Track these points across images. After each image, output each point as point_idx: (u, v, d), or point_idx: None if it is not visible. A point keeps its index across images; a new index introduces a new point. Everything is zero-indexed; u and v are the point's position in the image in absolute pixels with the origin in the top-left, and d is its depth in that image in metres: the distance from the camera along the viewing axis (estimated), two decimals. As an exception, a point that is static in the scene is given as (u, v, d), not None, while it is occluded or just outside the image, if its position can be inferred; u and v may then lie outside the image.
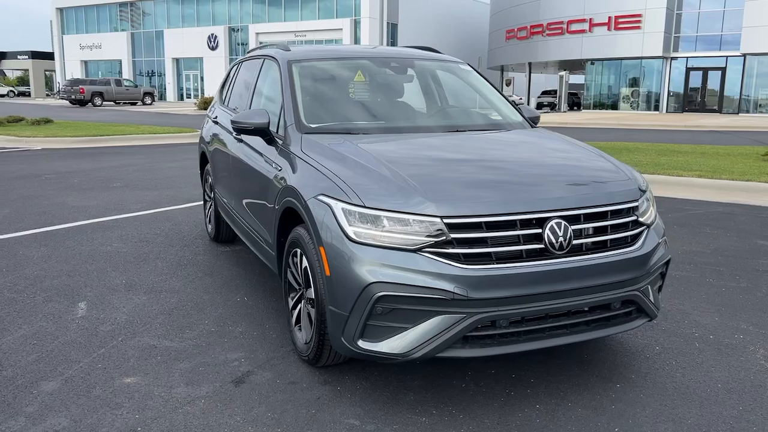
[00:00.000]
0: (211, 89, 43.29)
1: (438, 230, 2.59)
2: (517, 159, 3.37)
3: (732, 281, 4.60)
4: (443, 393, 2.93)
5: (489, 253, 2.61)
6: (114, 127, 17.91)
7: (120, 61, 54.09)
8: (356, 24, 42.56)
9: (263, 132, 3.61)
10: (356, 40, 42.28)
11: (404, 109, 4.16)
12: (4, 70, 75.82)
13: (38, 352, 3.30)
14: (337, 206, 2.73)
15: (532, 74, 45.11)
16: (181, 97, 50.88)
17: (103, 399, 2.81)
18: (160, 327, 3.65)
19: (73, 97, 38.01)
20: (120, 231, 5.97)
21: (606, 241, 2.81)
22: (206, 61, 49.24)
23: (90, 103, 37.96)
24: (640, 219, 2.94)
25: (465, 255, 2.58)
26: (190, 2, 49.90)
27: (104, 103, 38.82)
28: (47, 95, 63.73)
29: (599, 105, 39.45)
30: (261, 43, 46.64)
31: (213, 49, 48.55)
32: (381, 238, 2.61)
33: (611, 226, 2.84)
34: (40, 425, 2.59)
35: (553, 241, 2.66)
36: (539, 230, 2.67)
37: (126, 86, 41.24)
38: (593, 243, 2.79)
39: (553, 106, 39.23)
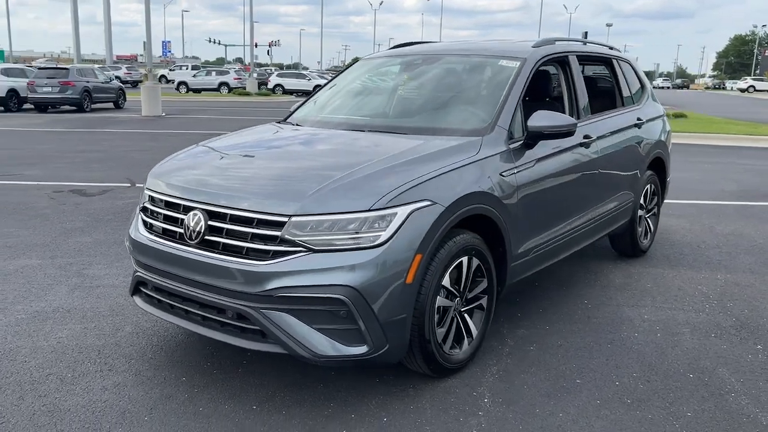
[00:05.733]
0: None
1: (145, 198, 3.33)
2: (280, 160, 3.47)
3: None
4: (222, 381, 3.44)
5: (153, 225, 3.17)
6: (753, 127, 17.55)
7: None
8: None
9: None
10: None
11: (371, 106, 4.37)
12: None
13: (92, 253, 5.29)
14: None
15: None
16: None
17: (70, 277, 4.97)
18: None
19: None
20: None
21: (241, 247, 2.80)
22: None
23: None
24: (291, 237, 2.71)
25: (146, 223, 3.23)
26: None
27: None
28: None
29: None
30: None
31: None
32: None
33: (253, 234, 2.79)
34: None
35: (184, 229, 2.95)
36: (184, 216, 2.98)
37: None
38: (233, 245, 2.83)
39: None
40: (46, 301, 4.19)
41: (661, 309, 4.21)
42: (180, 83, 39.94)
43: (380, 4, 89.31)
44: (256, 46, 77.46)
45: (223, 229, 2.89)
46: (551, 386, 3.15)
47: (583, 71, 4.60)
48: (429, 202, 2.91)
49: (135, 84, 43.93)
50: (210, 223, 2.91)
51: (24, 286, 4.47)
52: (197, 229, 2.93)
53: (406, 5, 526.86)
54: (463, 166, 3.20)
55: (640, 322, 3.97)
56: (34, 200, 7.33)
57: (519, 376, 3.25)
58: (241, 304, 2.78)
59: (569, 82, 4.30)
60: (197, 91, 39.02)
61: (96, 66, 31.63)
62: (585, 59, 4.79)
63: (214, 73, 40.99)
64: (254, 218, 2.80)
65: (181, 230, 3.00)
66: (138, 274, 3.29)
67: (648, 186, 5.27)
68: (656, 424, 2.82)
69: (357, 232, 2.74)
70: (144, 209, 3.35)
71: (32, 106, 22.21)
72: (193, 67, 45.32)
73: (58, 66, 24.78)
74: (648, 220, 5.43)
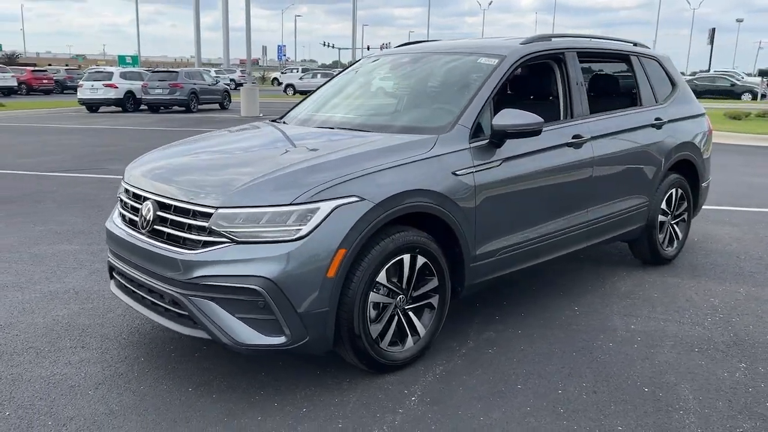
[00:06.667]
0: None
1: (120, 189, 3.62)
2: (244, 153, 3.69)
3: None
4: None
5: (124, 214, 3.42)
6: None
7: None
8: None
9: None
10: None
11: (351, 105, 4.41)
12: None
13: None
14: None
15: None
16: None
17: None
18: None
19: None
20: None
21: (180, 237, 2.97)
22: None
23: None
24: (217, 228, 2.85)
25: (120, 212, 3.50)
26: None
27: None
28: None
29: None
30: None
31: None
32: None
33: (189, 224, 2.96)
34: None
35: (139, 217, 3.21)
36: (141, 205, 3.23)
37: None
38: (174, 234, 3.01)
39: None
40: (63, 283, 4.58)
41: (654, 320, 3.96)
42: (287, 85, 41.69)
43: (489, 4, 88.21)
44: (368, 48, 79.46)
45: (167, 219, 3.08)
46: (488, 390, 3.07)
47: (591, 69, 4.41)
48: (356, 198, 2.93)
49: (248, 86, 46.18)
50: (158, 213, 3.12)
51: (52, 268, 4.91)
52: (148, 218, 3.15)
53: (522, 4, 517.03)
54: (408, 163, 3.20)
55: (623, 332, 3.76)
56: (100, 192, 7.97)
57: (460, 377, 3.20)
58: (174, 291, 2.96)
59: (564, 79, 4.13)
60: (303, 93, 40.34)
61: (212, 69, 33.44)
62: (594, 56, 4.60)
63: (318, 75, 42.23)
64: (190, 209, 2.99)
65: (135, 217, 3.27)
66: (108, 259, 3.55)
67: (672, 190, 4.94)
68: (578, 436, 2.70)
69: (278, 225, 2.84)
70: (119, 200, 3.61)
71: (146, 107, 24.02)
72: (303, 70, 47.04)
73: (169, 69, 26.59)
74: (674, 226, 5.09)
